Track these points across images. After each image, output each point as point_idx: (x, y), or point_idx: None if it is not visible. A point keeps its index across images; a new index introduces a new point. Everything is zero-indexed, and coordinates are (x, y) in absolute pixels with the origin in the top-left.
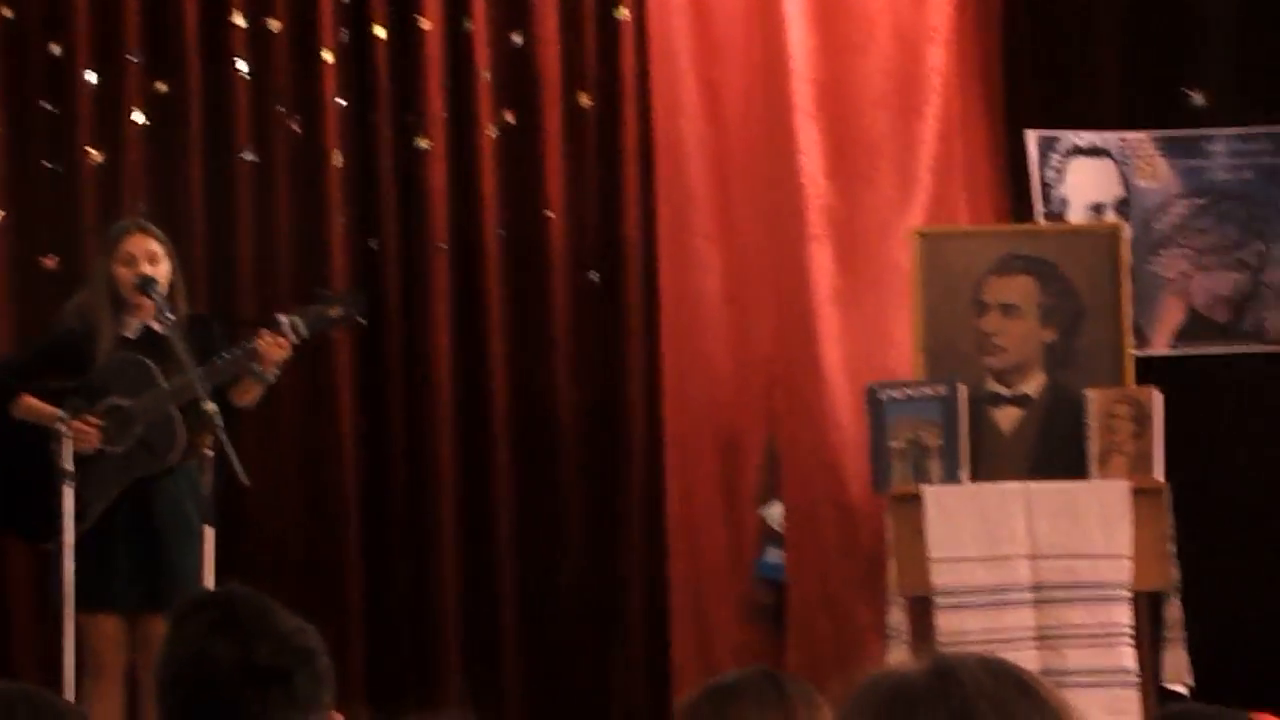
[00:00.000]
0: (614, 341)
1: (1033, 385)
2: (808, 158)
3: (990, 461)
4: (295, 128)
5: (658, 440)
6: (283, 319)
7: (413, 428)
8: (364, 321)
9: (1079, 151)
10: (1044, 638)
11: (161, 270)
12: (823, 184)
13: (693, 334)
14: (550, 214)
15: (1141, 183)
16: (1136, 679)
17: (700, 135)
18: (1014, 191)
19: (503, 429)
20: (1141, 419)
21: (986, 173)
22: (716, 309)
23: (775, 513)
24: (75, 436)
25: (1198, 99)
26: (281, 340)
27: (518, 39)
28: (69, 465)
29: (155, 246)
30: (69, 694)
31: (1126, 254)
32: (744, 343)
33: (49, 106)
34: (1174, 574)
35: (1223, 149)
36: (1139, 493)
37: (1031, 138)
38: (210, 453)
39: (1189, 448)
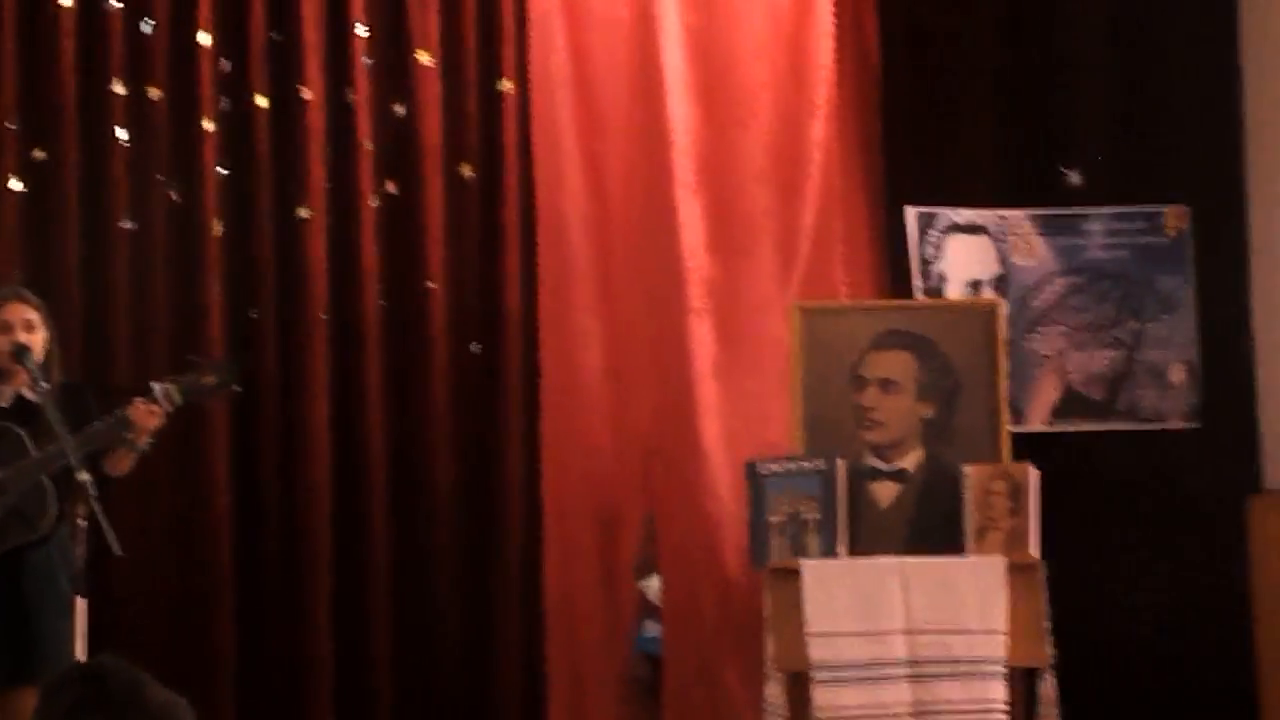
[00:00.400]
0: (494, 414)
1: (911, 460)
2: (689, 231)
3: (868, 536)
4: (174, 196)
5: (536, 514)
6: (156, 386)
7: (288, 499)
8: (239, 390)
9: (957, 229)
10: (921, 713)
11: (37, 338)
12: (703, 258)
13: (572, 407)
14: (432, 285)
15: (1019, 260)
16: None
17: (582, 207)
18: (893, 267)
19: (380, 502)
20: (1017, 495)
21: (866, 248)
22: (596, 382)
23: (653, 586)
24: None
25: (1074, 178)
26: (154, 408)
27: (400, 109)
28: None
29: (31, 314)
30: None
31: (1003, 330)
32: (624, 416)
33: None
34: (1049, 651)
35: (1099, 228)
36: (1015, 569)
37: (910, 214)
38: (83, 522)
39: (1064, 524)
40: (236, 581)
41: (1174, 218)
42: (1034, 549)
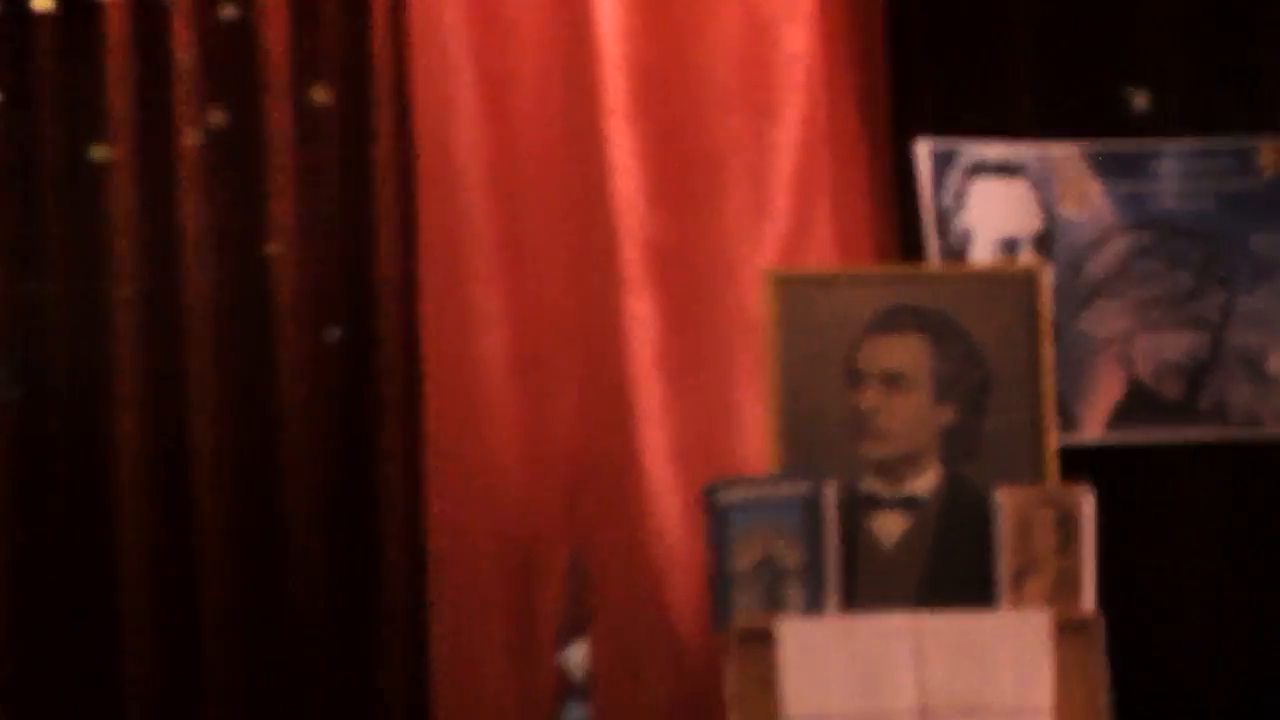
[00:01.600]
0: (362, 422)
1: (925, 483)
2: (624, 175)
3: (868, 585)
4: None
5: (419, 560)
6: None
7: (86, 541)
8: (17, 394)
9: (986, 169)
10: None
11: None
12: (644, 212)
13: (469, 415)
14: (276, 249)
15: (1068, 212)
16: None
17: (479, 145)
18: (900, 222)
19: (212, 547)
20: (1069, 528)
21: (863, 197)
22: (502, 380)
23: (578, 657)
24: None
25: (1141, 101)
26: None
27: (230, 11)
28: None
29: None
30: None
31: (1048, 307)
32: (539, 426)
33: None
34: None
35: (1174, 168)
36: (1064, 627)
37: (923, 150)
38: None
39: (1129, 566)
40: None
41: (1272, 154)
42: (1090, 599)
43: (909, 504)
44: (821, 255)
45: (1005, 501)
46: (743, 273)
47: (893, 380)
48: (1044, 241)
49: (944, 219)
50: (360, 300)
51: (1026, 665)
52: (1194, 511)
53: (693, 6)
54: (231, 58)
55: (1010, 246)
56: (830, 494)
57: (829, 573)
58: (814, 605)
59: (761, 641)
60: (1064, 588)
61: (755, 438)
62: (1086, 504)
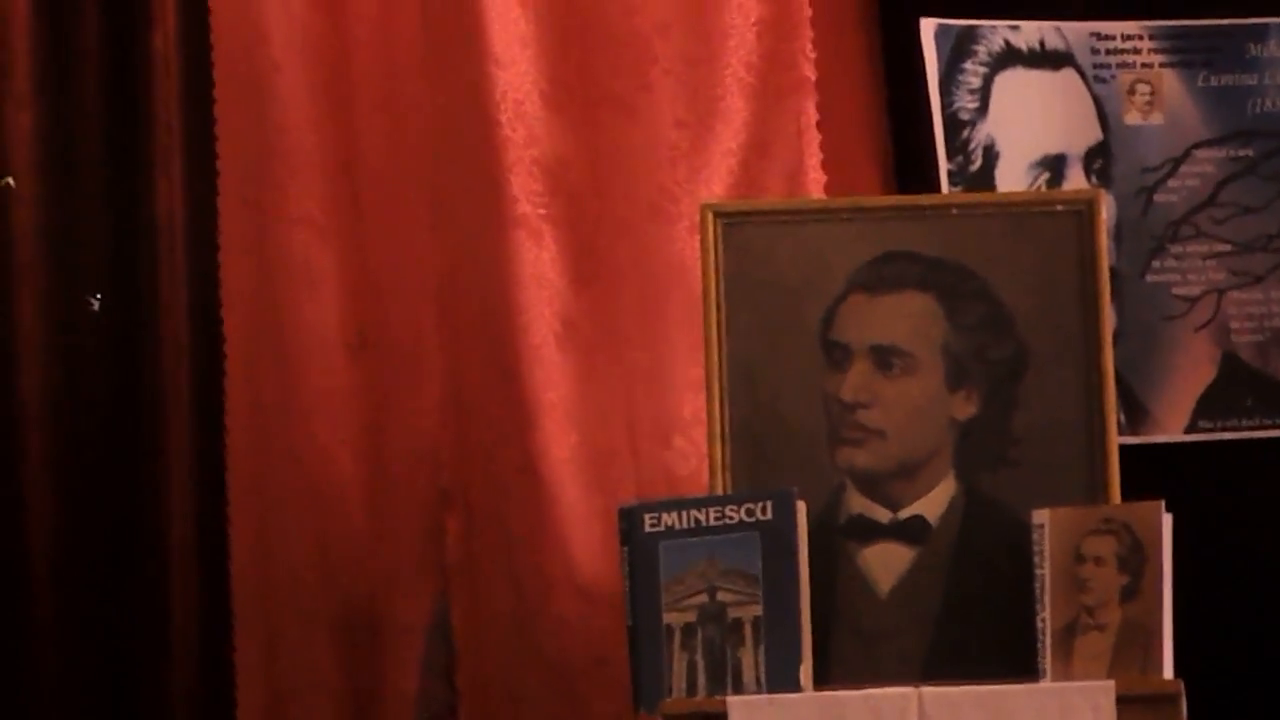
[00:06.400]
0: (134, 425)
1: (934, 502)
2: (510, 67)
3: (856, 648)
4: None
5: (217, 621)
6: None
7: None
8: None
9: (1017, 59)
10: None
11: None
12: (539, 115)
13: (287, 404)
14: (10, 182)
15: (1134, 118)
16: None
17: (300, 26)
18: (896, 135)
19: None
20: (1136, 563)
21: (845, 100)
22: (334, 363)
23: None
24: None
25: None
26: None
27: None
28: None
29: None
30: None
31: (1106, 252)
32: (388, 428)
33: None
34: None
35: None
36: (1132, 702)
37: (928, 34)
38: None
39: (1219, 611)
40: None
41: None
42: (1167, 662)
43: (912, 532)
44: (785, 182)
45: (1048, 527)
46: (676, 206)
47: (887, 358)
48: (1100, 160)
49: (958, 129)
50: (131, 252)
51: None
52: None
53: None
54: None
55: (1053, 167)
56: (800, 519)
57: (800, 630)
58: (780, 677)
59: None
60: (1131, 647)
61: (696, 439)
62: (1161, 529)
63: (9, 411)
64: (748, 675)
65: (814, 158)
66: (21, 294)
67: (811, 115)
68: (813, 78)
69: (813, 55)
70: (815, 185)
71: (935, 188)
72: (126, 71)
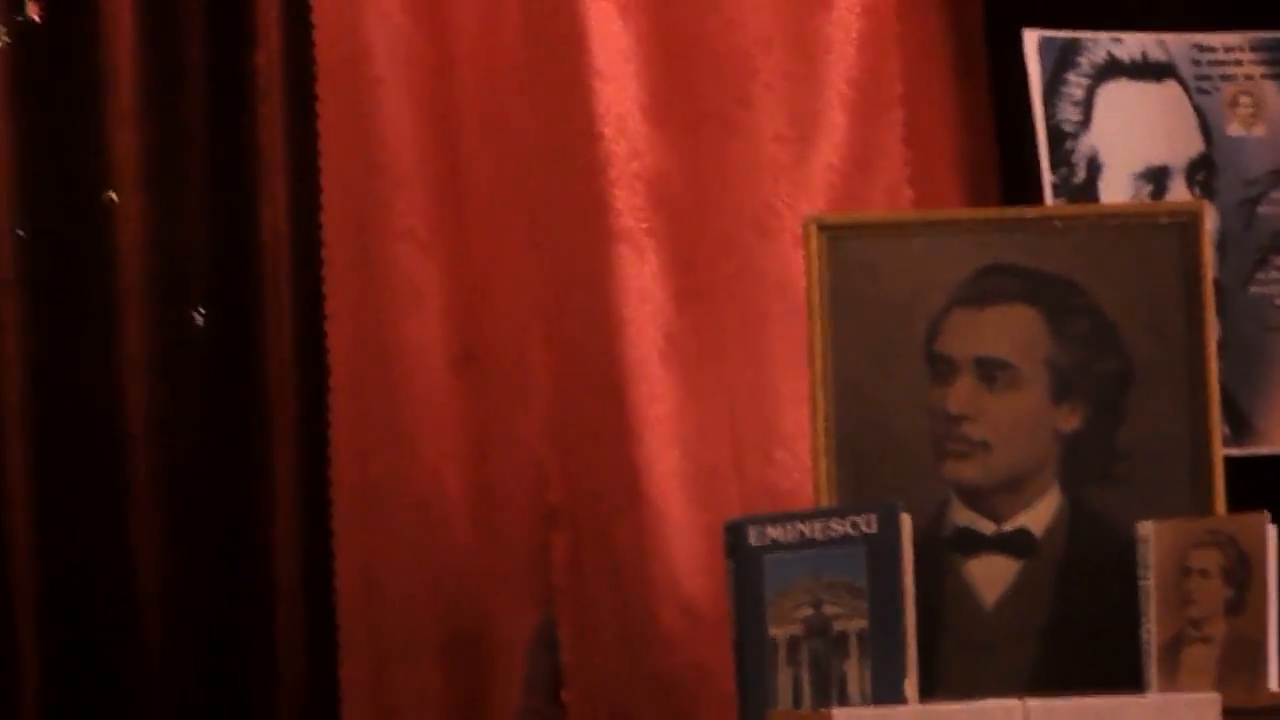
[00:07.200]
0: (240, 444)
1: (1040, 515)
2: (612, 81)
3: (962, 661)
4: None
5: (323, 635)
6: None
7: None
8: None
9: (1121, 71)
10: None
11: None
12: (640, 129)
13: (391, 421)
14: (113, 197)
15: (1237, 130)
16: None
17: (403, 44)
18: (1000, 146)
19: (26, 621)
20: (1244, 576)
21: (948, 113)
22: (438, 380)
23: None
24: None
25: None
26: None
27: None
28: None
29: None
30: None
31: (1211, 264)
32: (493, 444)
33: None
34: None
35: None
36: (1236, 715)
37: (1032, 46)
38: None
39: None
40: None
41: None
42: (1274, 675)
43: (1017, 545)
44: (886, 196)
45: (1153, 540)
46: (778, 220)
47: (991, 371)
48: (1203, 172)
49: (1061, 141)
50: (236, 269)
51: None
52: None
53: None
54: None
55: (1156, 179)
56: (905, 531)
57: (905, 643)
58: (885, 690)
59: None
60: (1237, 660)
61: (799, 453)
62: (1266, 541)
63: (114, 429)
64: (853, 688)
65: (912, 171)
66: (126, 311)
67: (909, 129)
68: (900, 92)
69: (899, 70)
70: (911, 195)
71: (1039, 200)
72: (230, 88)
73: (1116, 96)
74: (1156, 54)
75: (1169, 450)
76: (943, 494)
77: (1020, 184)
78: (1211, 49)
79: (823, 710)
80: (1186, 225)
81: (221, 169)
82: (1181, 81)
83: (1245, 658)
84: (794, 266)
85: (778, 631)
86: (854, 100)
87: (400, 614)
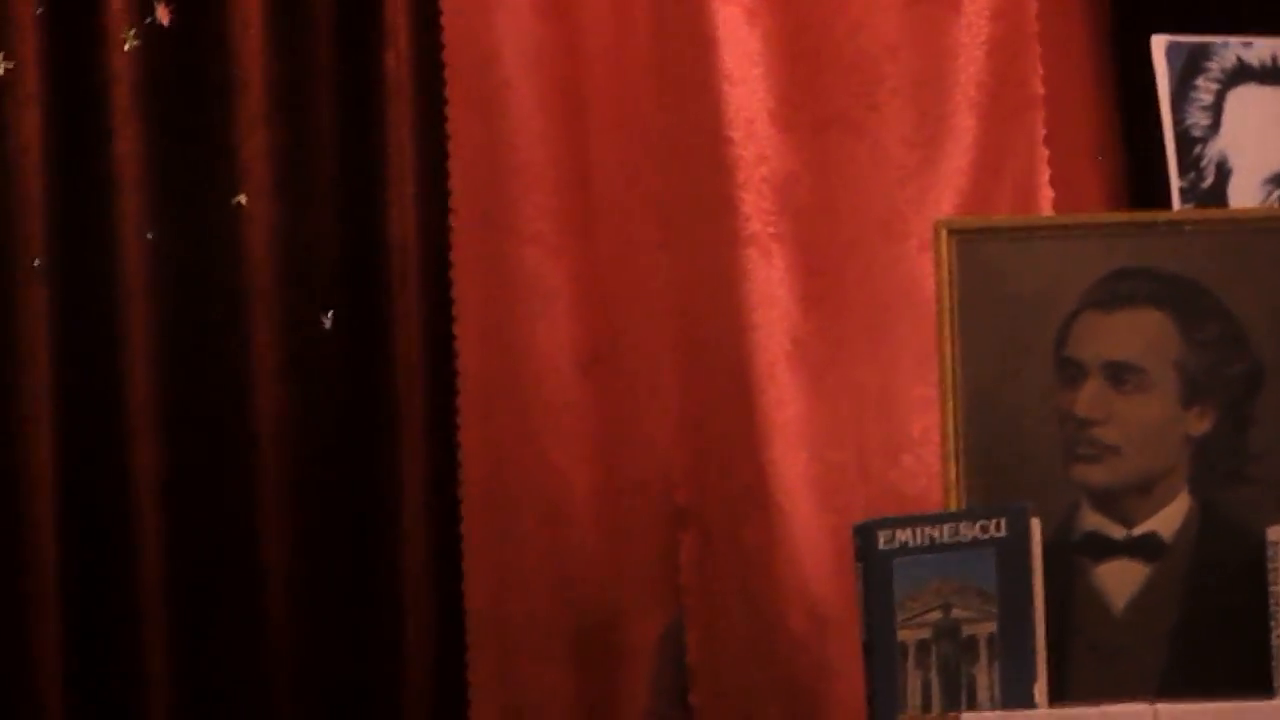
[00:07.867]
0: (369, 445)
1: (1169, 519)
2: (741, 85)
3: (1092, 664)
4: None
5: (451, 637)
6: None
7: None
8: None
9: (1251, 75)
10: None
11: None
12: (769, 134)
13: (521, 430)
14: (242, 200)
15: None
16: None
17: (533, 46)
18: (1129, 151)
19: (155, 621)
20: None
21: (1076, 117)
22: (568, 381)
23: None
24: None
25: None
26: None
27: None
28: None
29: None
30: None
31: None
32: (622, 445)
33: None
34: None
35: None
36: None
37: (1160, 51)
38: None
39: None
40: None
41: None
42: None
43: (1147, 548)
44: (1015, 199)
45: None
46: (905, 224)
47: (1122, 374)
48: None
49: (1190, 146)
50: (365, 271)
51: None
52: None
53: None
54: None
55: None
56: (1035, 535)
57: (1035, 647)
58: (1015, 694)
59: None
60: None
61: (925, 457)
62: None
63: (244, 431)
64: (982, 693)
65: (1044, 175)
66: (255, 313)
67: (1041, 132)
68: (1042, 94)
69: (1041, 72)
70: (1045, 203)
71: (1167, 205)
72: (359, 91)
73: (1246, 101)
74: None
75: None
76: (1072, 498)
77: (1148, 189)
78: None
79: (952, 714)
80: None
81: (350, 172)
82: None
83: None
84: (919, 270)
85: (907, 635)
86: (982, 104)
87: (528, 615)
